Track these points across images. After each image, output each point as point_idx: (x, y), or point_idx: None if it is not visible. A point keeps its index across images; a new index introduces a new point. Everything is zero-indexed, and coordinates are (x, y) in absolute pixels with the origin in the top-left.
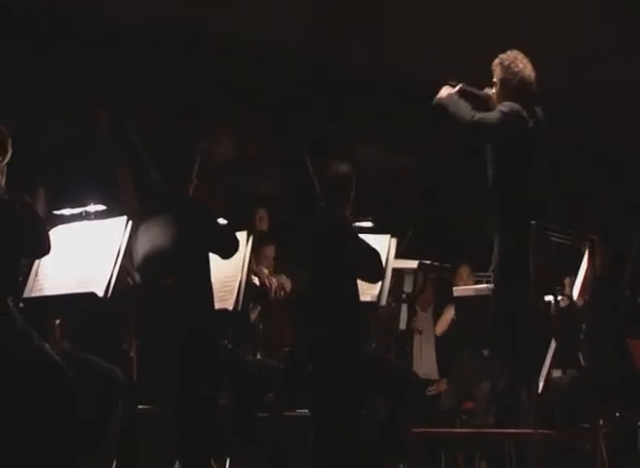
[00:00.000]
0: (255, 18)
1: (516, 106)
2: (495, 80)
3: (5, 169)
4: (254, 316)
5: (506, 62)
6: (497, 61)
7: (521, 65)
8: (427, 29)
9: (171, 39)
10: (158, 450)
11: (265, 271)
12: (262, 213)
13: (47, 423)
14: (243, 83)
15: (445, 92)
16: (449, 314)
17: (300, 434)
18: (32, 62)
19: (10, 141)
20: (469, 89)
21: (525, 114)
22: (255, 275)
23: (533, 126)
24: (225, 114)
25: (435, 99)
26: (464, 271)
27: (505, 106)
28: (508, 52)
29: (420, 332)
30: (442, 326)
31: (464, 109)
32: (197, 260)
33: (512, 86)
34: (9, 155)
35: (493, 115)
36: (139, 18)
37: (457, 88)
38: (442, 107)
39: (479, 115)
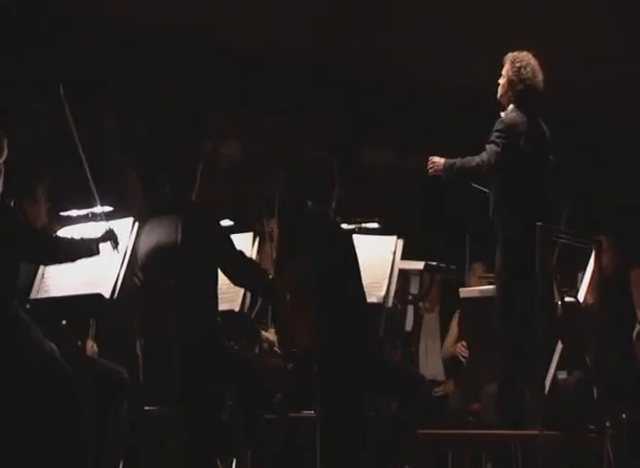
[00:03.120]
0: (260, 19)
1: (513, 121)
2: (503, 73)
3: (2, 169)
4: None
5: (517, 64)
6: (509, 57)
7: (530, 73)
8: (435, 29)
9: (176, 40)
10: (164, 451)
11: None
12: (273, 223)
13: (50, 423)
14: (248, 84)
15: (433, 164)
16: (450, 339)
17: (305, 435)
18: (37, 63)
19: (5, 141)
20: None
21: (523, 127)
22: None
23: (527, 141)
24: (231, 115)
25: (430, 174)
26: (478, 268)
27: (502, 124)
28: (523, 53)
29: (427, 309)
30: (446, 352)
31: (467, 162)
32: (202, 262)
33: (517, 90)
34: (4, 156)
35: (492, 149)
36: (143, 19)
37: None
38: (442, 176)
39: (484, 158)
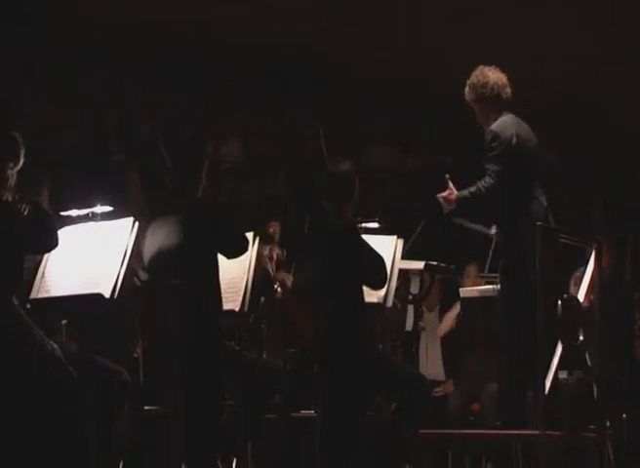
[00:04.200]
0: (264, 19)
1: (501, 125)
2: (473, 106)
3: (15, 176)
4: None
5: (474, 80)
6: (466, 88)
7: (489, 74)
8: (438, 29)
9: (177, 40)
10: (164, 451)
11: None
12: (275, 224)
13: (51, 424)
14: (249, 84)
15: (447, 201)
16: (451, 315)
17: (305, 435)
18: (39, 63)
19: (22, 151)
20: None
21: (513, 128)
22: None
23: (519, 140)
24: (235, 115)
25: (449, 211)
26: (472, 270)
27: (491, 134)
28: (472, 73)
29: (424, 329)
30: (444, 327)
31: (477, 192)
32: (205, 262)
33: (489, 96)
34: (21, 163)
35: (492, 169)
36: (144, 19)
37: (449, 186)
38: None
39: (490, 182)
